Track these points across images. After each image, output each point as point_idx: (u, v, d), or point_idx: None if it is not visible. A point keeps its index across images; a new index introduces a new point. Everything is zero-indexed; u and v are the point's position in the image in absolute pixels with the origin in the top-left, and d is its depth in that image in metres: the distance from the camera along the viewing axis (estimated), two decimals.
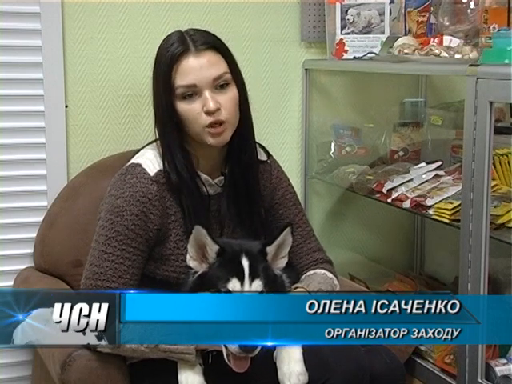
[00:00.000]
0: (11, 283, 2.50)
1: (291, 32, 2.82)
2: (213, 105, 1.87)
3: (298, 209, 2.14)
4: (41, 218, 2.48)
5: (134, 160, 1.97)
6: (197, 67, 1.87)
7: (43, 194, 2.55)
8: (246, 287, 1.76)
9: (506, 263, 2.20)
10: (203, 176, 1.97)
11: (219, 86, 1.90)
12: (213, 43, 1.92)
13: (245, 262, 1.79)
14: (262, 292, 1.77)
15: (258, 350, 1.71)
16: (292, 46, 2.83)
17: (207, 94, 1.88)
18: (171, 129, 1.91)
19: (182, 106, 1.89)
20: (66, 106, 2.56)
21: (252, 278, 1.77)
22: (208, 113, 1.87)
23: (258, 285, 1.77)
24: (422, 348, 2.28)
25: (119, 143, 2.63)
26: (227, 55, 1.94)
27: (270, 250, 1.84)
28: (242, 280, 1.77)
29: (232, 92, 1.92)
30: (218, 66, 1.90)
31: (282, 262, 1.87)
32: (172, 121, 1.91)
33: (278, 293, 1.81)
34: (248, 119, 2.00)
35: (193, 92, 1.88)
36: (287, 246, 1.86)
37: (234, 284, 1.77)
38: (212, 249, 1.82)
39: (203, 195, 1.96)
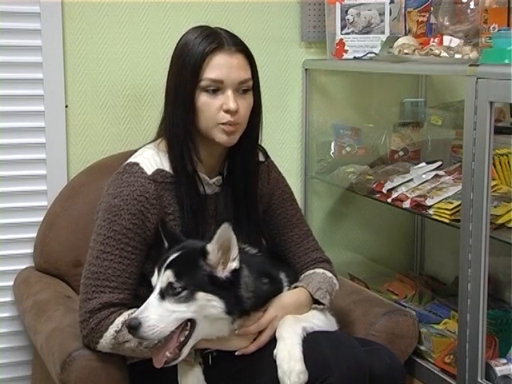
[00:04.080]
0: (11, 283, 2.50)
1: (291, 32, 2.82)
2: (233, 105, 1.88)
3: (295, 209, 2.14)
4: (41, 218, 2.48)
5: (132, 159, 1.97)
6: (227, 65, 1.89)
7: (43, 193, 2.55)
8: (160, 277, 1.77)
9: (506, 263, 2.20)
10: (202, 175, 1.97)
11: (241, 89, 1.91)
12: (244, 47, 1.94)
13: (172, 256, 1.79)
14: (172, 284, 1.74)
15: (144, 332, 1.71)
16: (292, 46, 2.83)
17: (230, 93, 1.89)
18: (190, 117, 1.91)
19: (203, 98, 1.89)
20: (66, 106, 2.56)
21: (165, 268, 1.77)
22: (227, 111, 1.88)
23: (168, 275, 1.76)
24: (422, 348, 2.27)
25: (119, 143, 2.63)
26: (253, 64, 1.96)
27: (211, 248, 1.80)
28: (159, 271, 1.78)
29: (250, 99, 1.94)
30: (246, 71, 1.92)
31: (230, 267, 1.80)
32: (191, 110, 1.91)
33: (212, 293, 1.76)
34: (259, 126, 2.01)
35: (216, 87, 1.89)
36: (233, 245, 1.79)
37: (154, 276, 1.79)
38: (164, 246, 1.87)
39: (201, 194, 1.97)
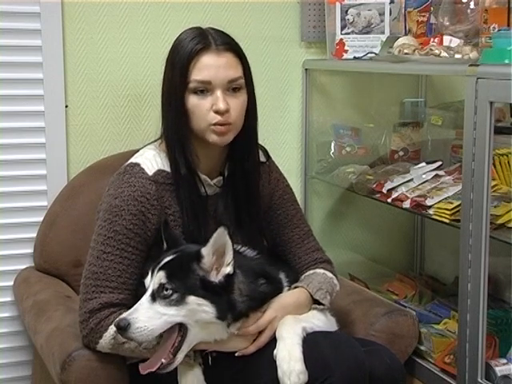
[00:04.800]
0: (11, 283, 2.50)
1: (291, 32, 2.82)
2: (223, 105, 1.87)
3: (296, 209, 2.14)
4: (41, 218, 2.48)
5: (133, 159, 1.97)
6: (215, 65, 1.88)
7: (43, 193, 2.55)
8: (152, 279, 1.77)
9: (506, 263, 2.20)
10: (202, 176, 1.97)
11: (231, 88, 1.91)
12: (233, 45, 1.94)
13: (166, 259, 1.79)
14: (164, 285, 1.74)
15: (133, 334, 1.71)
16: (292, 46, 2.83)
17: (219, 93, 1.88)
18: (183, 120, 1.91)
19: (192, 100, 1.90)
20: (66, 106, 2.56)
21: (158, 270, 1.77)
22: (217, 112, 1.88)
23: (160, 276, 1.76)
24: (422, 348, 2.27)
25: (119, 143, 2.63)
26: (244, 61, 1.95)
27: (206, 252, 1.79)
28: (152, 273, 1.78)
29: (242, 97, 1.94)
30: (235, 69, 1.92)
31: (223, 272, 1.79)
32: (182, 112, 1.91)
33: (203, 298, 1.74)
34: (255, 125, 2.01)
35: (205, 88, 1.89)
36: (228, 250, 1.77)
37: (148, 277, 1.79)
38: (163, 248, 1.87)
39: (201, 195, 1.96)
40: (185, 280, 1.76)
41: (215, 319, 1.76)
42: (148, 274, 1.81)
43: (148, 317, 1.73)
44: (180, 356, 1.77)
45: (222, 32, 1.95)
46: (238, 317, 1.80)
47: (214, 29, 1.96)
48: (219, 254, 1.79)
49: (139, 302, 1.76)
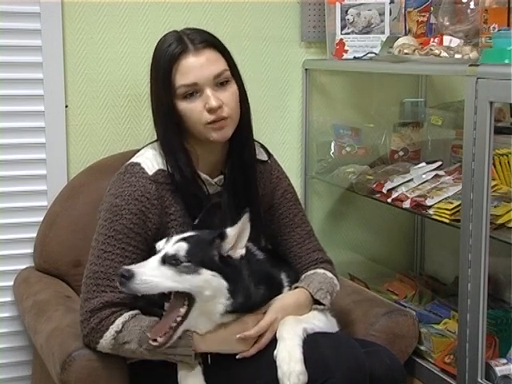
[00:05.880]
0: (11, 283, 2.50)
1: (291, 32, 2.82)
2: (215, 102, 1.87)
3: (297, 208, 2.14)
4: (41, 218, 2.48)
5: (134, 159, 1.97)
6: (197, 65, 1.88)
7: (43, 193, 2.55)
8: (170, 245, 1.78)
9: (506, 263, 2.20)
10: (203, 176, 1.97)
11: (219, 83, 1.90)
12: (210, 41, 1.93)
13: (188, 233, 1.83)
14: (179, 256, 1.74)
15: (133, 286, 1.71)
16: (292, 46, 2.83)
17: (208, 91, 1.88)
18: (173, 129, 1.92)
19: (184, 106, 1.89)
20: (66, 106, 2.56)
21: (179, 240, 1.79)
22: (210, 110, 1.88)
23: (180, 246, 1.77)
24: (422, 348, 2.27)
25: (119, 143, 2.63)
26: (225, 52, 1.94)
27: (231, 232, 1.82)
28: (170, 239, 1.80)
29: (232, 88, 1.93)
30: (218, 64, 1.91)
31: (238, 253, 1.84)
32: (173, 121, 1.91)
33: (216, 271, 1.78)
34: (247, 116, 2.00)
35: (194, 90, 1.88)
36: (245, 234, 1.83)
37: (161, 242, 1.81)
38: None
39: (204, 195, 1.96)
40: (201, 254, 1.78)
41: (227, 292, 1.78)
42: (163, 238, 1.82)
43: (154, 274, 1.73)
44: (179, 331, 1.77)
45: (198, 30, 1.94)
46: (237, 306, 1.82)
47: (189, 28, 1.95)
48: (239, 237, 1.83)
49: (147, 261, 1.76)
